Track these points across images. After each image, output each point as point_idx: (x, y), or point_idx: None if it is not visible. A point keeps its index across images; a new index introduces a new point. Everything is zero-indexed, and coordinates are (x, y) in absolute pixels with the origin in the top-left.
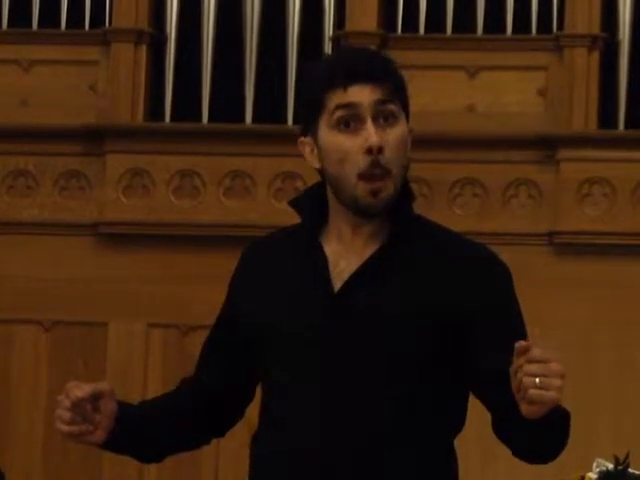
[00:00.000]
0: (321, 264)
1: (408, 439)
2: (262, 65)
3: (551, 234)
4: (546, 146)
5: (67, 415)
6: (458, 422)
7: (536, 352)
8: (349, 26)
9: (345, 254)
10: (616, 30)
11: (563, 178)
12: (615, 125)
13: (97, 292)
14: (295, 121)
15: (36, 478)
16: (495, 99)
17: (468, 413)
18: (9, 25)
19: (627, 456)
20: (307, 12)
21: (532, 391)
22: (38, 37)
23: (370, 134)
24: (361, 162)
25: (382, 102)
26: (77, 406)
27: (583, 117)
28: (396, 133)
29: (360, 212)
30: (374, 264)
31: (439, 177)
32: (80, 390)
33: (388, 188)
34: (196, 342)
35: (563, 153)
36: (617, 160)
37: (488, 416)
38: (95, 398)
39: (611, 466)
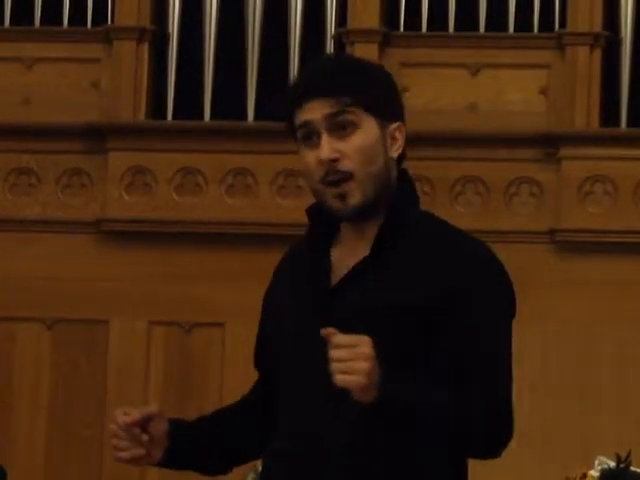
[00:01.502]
0: (324, 267)
1: (400, 429)
2: (264, 63)
3: (553, 232)
4: (548, 144)
5: (114, 442)
6: None
7: (341, 338)
8: (351, 24)
9: (347, 257)
10: (618, 28)
11: (565, 176)
12: (617, 123)
13: (99, 290)
14: None
15: (38, 476)
16: (497, 97)
17: None
18: (11, 23)
19: (629, 454)
20: (309, 10)
21: (337, 376)
22: (40, 35)
23: (321, 147)
24: (319, 172)
25: (334, 115)
26: (126, 431)
27: (585, 115)
28: (356, 140)
29: (336, 218)
30: (364, 264)
31: (441, 175)
32: (128, 417)
33: (354, 192)
34: (198, 340)
35: (565, 151)
36: (619, 158)
37: None
38: (145, 421)
39: (613, 464)
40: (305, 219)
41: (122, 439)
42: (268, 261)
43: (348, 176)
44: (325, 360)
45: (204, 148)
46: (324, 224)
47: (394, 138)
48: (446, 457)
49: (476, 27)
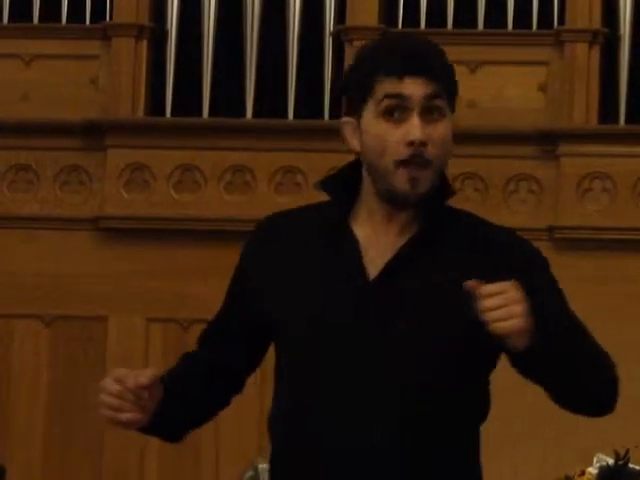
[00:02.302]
0: (353, 249)
1: (440, 423)
2: (263, 59)
3: (551, 229)
4: (547, 141)
5: (116, 402)
6: (484, 409)
7: (489, 287)
8: (350, 21)
9: (376, 241)
10: (617, 25)
11: (564, 173)
12: (616, 120)
13: (97, 287)
14: (296, 115)
15: (36, 472)
16: (496, 94)
17: None
18: (10, 20)
19: (627, 452)
20: (308, 7)
21: (494, 324)
22: (39, 32)
23: (415, 127)
24: (402, 152)
25: (432, 97)
26: (131, 393)
27: (584, 112)
28: (441, 129)
29: (395, 202)
30: (410, 253)
31: None
32: (139, 379)
33: (426, 180)
34: (196, 337)
35: (564, 148)
36: (618, 155)
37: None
38: (150, 386)
39: (611, 461)
40: None
41: (127, 401)
42: None
43: (428, 163)
44: (375, 353)
45: (202, 145)
46: (345, 200)
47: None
48: (472, 455)
49: (475, 24)
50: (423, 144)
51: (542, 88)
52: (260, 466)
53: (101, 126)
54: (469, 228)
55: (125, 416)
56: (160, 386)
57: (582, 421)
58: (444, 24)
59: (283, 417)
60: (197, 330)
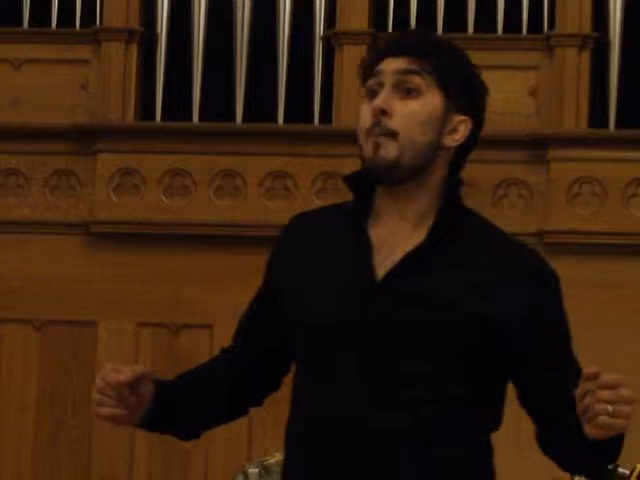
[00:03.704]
0: (366, 249)
1: (448, 426)
2: (253, 64)
3: (541, 234)
4: (536, 146)
5: (96, 397)
6: (495, 418)
7: (607, 378)
8: (340, 25)
9: (389, 240)
10: (607, 30)
11: (553, 178)
12: (606, 125)
13: (87, 291)
14: (286, 120)
15: (26, 476)
16: None
17: None
18: None
19: None
20: (298, 11)
21: (603, 418)
22: (29, 36)
23: (379, 97)
24: (367, 121)
25: (406, 72)
26: (114, 389)
27: (574, 117)
28: (413, 105)
29: (370, 174)
30: (420, 254)
31: None
32: (121, 374)
33: (391, 148)
34: (186, 341)
35: (553, 153)
36: (607, 160)
37: None
38: (135, 382)
39: None
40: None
41: (108, 396)
42: (256, 263)
43: (388, 132)
44: (379, 355)
45: (193, 150)
46: (364, 197)
47: (455, 129)
48: (482, 461)
49: (465, 28)
50: (383, 112)
51: (532, 93)
52: (250, 471)
53: (91, 130)
54: (482, 232)
55: (105, 410)
56: (149, 383)
57: None
58: (434, 29)
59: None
60: (187, 335)
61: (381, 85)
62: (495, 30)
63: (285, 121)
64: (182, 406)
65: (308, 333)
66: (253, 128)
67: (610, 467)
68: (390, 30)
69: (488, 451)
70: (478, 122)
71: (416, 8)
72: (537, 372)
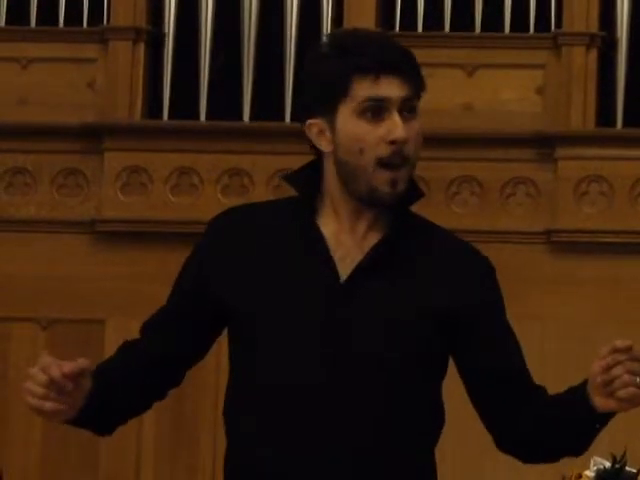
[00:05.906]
0: (321, 247)
1: (400, 420)
2: (260, 63)
3: (549, 232)
4: (544, 144)
5: (40, 391)
6: (442, 416)
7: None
8: (347, 23)
9: (344, 240)
10: (614, 28)
11: (561, 176)
12: (613, 123)
13: (95, 290)
14: (293, 118)
15: (34, 477)
16: (493, 97)
17: (468, 410)
18: (7, 23)
19: (624, 454)
20: (305, 9)
21: (632, 389)
22: (36, 35)
23: (397, 126)
24: (383, 150)
25: (409, 99)
26: (54, 383)
27: (581, 115)
28: (416, 126)
29: (373, 202)
30: (381, 255)
31: (437, 175)
32: (63, 368)
33: (405, 179)
34: None
35: (561, 151)
36: (615, 158)
37: None
38: (77, 376)
39: (608, 464)
40: None
41: (47, 389)
42: None
43: (406, 162)
44: (343, 354)
45: (200, 148)
46: (309, 194)
47: None
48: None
49: (472, 27)
50: (405, 141)
51: (539, 91)
52: None
53: (98, 129)
54: (429, 232)
55: (48, 405)
56: (89, 378)
57: None
58: (441, 27)
59: (241, 412)
60: None
61: (384, 109)
62: (502, 29)
63: (292, 120)
64: (106, 401)
65: (269, 326)
66: (260, 127)
67: (617, 466)
68: (397, 30)
69: (441, 412)
70: None
71: (423, 7)
72: (490, 359)
